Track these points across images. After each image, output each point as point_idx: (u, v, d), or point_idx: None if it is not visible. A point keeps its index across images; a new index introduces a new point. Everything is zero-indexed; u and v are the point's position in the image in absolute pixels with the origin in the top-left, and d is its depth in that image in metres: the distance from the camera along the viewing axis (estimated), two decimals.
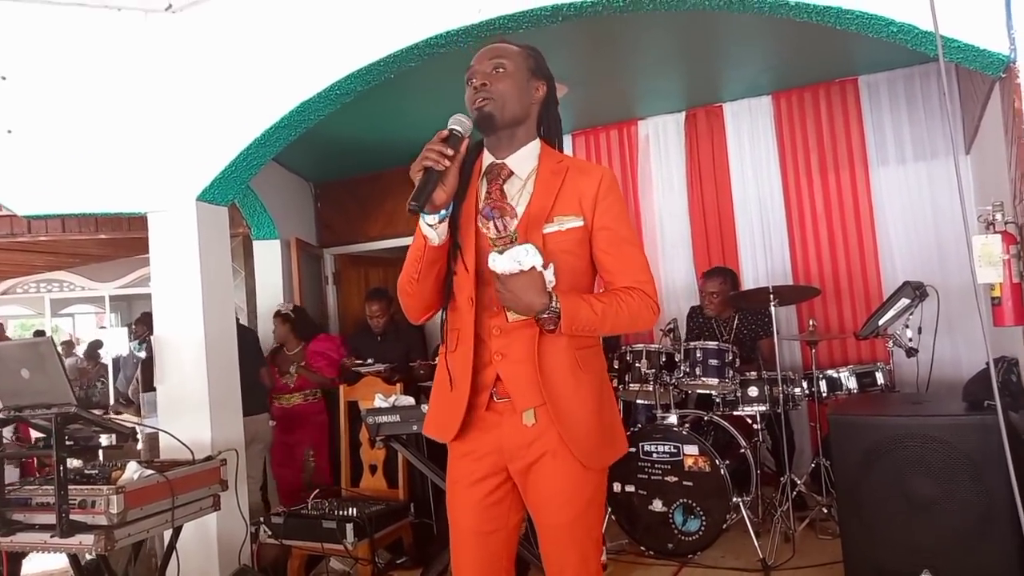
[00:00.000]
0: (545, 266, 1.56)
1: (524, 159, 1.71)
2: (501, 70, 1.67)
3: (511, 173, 1.70)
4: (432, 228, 1.59)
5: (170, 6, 3.22)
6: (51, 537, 2.26)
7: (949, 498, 2.59)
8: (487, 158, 1.74)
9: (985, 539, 2.51)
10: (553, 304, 1.54)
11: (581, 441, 1.62)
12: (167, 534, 2.62)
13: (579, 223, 1.65)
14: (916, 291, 3.49)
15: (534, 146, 1.73)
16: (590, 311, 1.58)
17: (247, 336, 4.29)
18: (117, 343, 9.13)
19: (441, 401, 1.73)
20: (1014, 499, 2.08)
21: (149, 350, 4.72)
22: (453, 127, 1.58)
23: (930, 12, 2.07)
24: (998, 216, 2.25)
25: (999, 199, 2.31)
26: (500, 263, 1.55)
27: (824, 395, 3.81)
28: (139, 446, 3.59)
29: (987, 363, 2.23)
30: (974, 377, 2.92)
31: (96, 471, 2.54)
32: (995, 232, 2.23)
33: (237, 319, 4.25)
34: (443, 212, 1.59)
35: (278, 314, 4.85)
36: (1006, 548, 2.42)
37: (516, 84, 1.67)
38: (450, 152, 1.54)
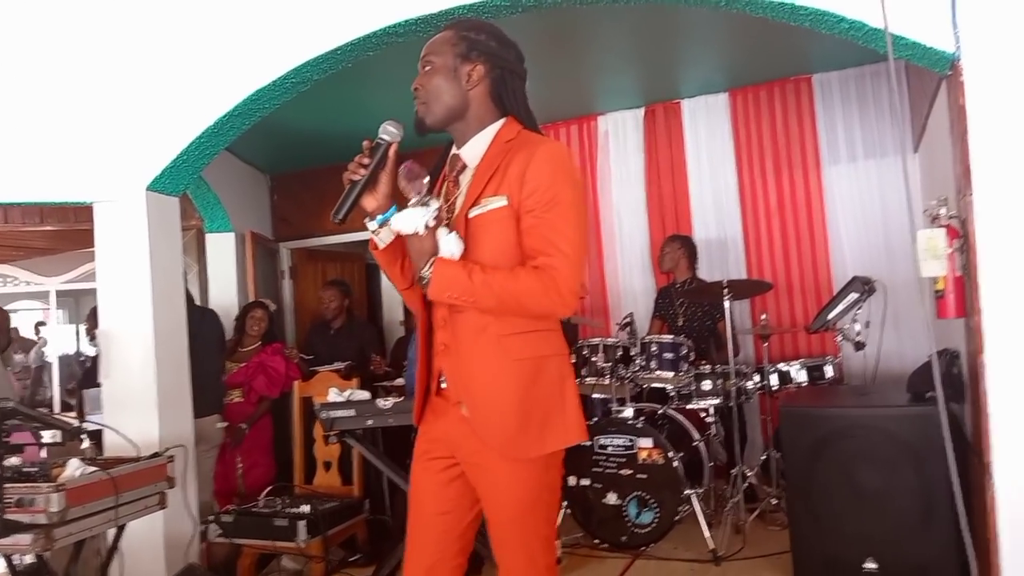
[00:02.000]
0: (460, 238, 1.58)
1: (475, 147, 1.69)
2: (429, 67, 1.67)
3: (464, 164, 1.69)
4: (376, 234, 1.65)
5: None
6: None
7: (893, 488, 2.66)
8: (453, 149, 1.74)
9: (926, 527, 2.59)
10: (425, 269, 1.55)
11: (492, 430, 1.58)
12: (111, 533, 2.54)
13: (501, 203, 1.59)
14: (864, 286, 3.58)
15: (490, 130, 1.68)
16: (465, 279, 1.53)
17: (210, 322, 4.10)
18: (63, 340, 8.86)
19: (417, 386, 1.77)
20: (953, 488, 2.15)
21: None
22: (380, 135, 1.62)
23: (880, 9, 2.11)
24: (942, 211, 2.32)
25: (944, 194, 2.37)
26: (397, 221, 1.58)
27: (775, 388, 3.88)
28: (83, 445, 3.47)
29: (930, 355, 2.29)
30: (917, 369, 2.99)
31: (36, 468, 2.45)
32: (939, 226, 2.29)
33: (191, 301, 4.13)
34: (380, 217, 1.61)
35: (264, 306, 4.59)
36: (945, 535, 2.50)
37: (443, 78, 1.65)
38: (367, 162, 1.58)
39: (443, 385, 1.68)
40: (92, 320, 5.10)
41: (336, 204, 1.58)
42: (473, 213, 1.62)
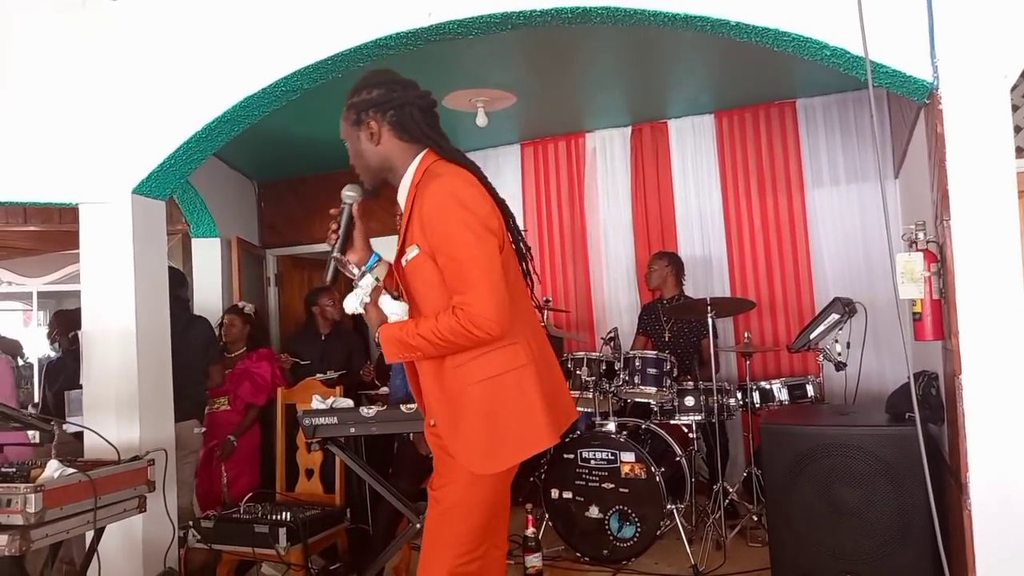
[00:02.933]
0: (395, 295, 1.82)
1: (402, 194, 1.84)
2: (347, 144, 1.88)
3: (400, 210, 1.85)
4: (362, 281, 1.83)
5: None
6: None
7: (871, 506, 2.69)
8: None
9: (904, 545, 2.63)
10: (374, 337, 1.77)
11: (464, 450, 1.77)
12: (89, 536, 2.52)
13: (416, 251, 1.75)
14: (845, 307, 3.63)
15: (408, 175, 1.82)
16: (405, 338, 1.72)
17: (201, 328, 4.04)
18: (42, 343, 8.75)
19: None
20: (930, 507, 2.18)
21: (61, 349, 4.48)
22: (344, 200, 1.84)
23: (861, 38, 2.17)
24: (920, 235, 2.37)
25: (923, 219, 2.43)
26: (347, 305, 1.82)
27: (757, 406, 3.92)
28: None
29: (908, 377, 2.33)
30: (897, 390, 3.04)
31: (13, 469, 2.43)
32: (917, 250, 2.34)
33: (185, 306, 4.11)
34: (366, 267, 1.81)
35: (238, 311, 4.56)
36: (923, 553, 2.53)
37: (353, 148, 1.86)
38: (335, 226, 1.82)
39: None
40: (56, 324, 5.02)
41: (323, 270, 1.83)
42: (403, 261, 1.78)
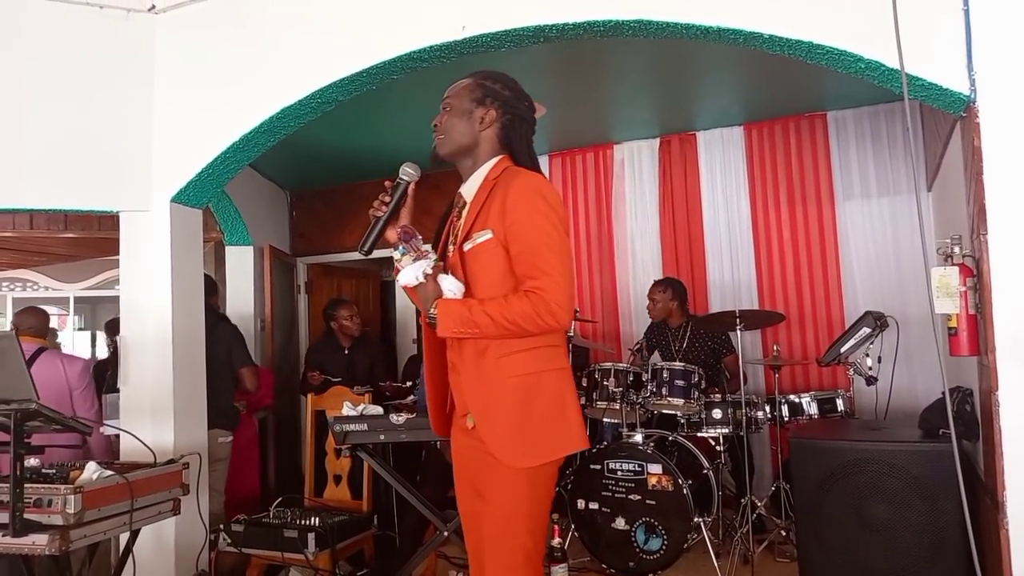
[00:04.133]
0: (458, 279, 1.78)
1: (472, 184, 1.87)
2: (447, 108, 1.88)
3: (464, 201, 1.88)
4: (399, 262, 1.81)
5: (153, 7, 3.22)
6: (2, 536, 2.21)
7: (903, 523, 2.65)
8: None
9: (936, 563, 2.58)
10: (432, 311, 1.74)
11: (497, 441, 1.74)
12: (124, 537, 2.57)
13: (487, 236, 1.77)
14: (877, 321, 3.59)
15: (483, 169, 1.87)
16: (466, 314, 1.71)
17: (223, 331, 3.95)
18: (79, 346, 8.93)
19: (432, 402, 2.00)
20: (965, 525, 2.15)
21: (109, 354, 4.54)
22: (400, 176, 1.84)
23: (896, 50, 2.16)
24: (956, 249, 2.34)
25: (958, 233, 2.40)
26: (402, 278, 1.79)
27: (786, 419, 3.88)
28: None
29: (943, 392, 2.30)
30: (930, 406, 2.99)
31: (54, 470, 2.49)
32: (953, 264, 2.31)
33: (223, 314, 4.14)
34: (402, 248, 1.80)
35: None
36: (956, 573, 2.49)
37: (458, 118, 1.86)
38: (388, 199, 1.81)
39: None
40: (108, 330, 5.14)
41: (363, 236, 1.81)
42: (467, 247, 1.80)
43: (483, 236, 1.77)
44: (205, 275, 4.11)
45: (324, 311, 5.03)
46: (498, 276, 1.76)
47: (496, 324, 1.68)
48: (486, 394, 1.76)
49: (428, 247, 1.83)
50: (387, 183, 1.83)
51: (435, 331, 1.75)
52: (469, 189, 1.87)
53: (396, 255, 1.80)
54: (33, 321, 3.68)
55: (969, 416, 2.74)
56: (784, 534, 3.76)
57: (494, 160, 1.86)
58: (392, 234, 1.80)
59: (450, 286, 1.76)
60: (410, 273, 1.76)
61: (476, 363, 1.78)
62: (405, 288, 1.81)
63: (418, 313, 2.03)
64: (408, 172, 1.83)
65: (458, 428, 1.91)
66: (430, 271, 1.76)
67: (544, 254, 1.71)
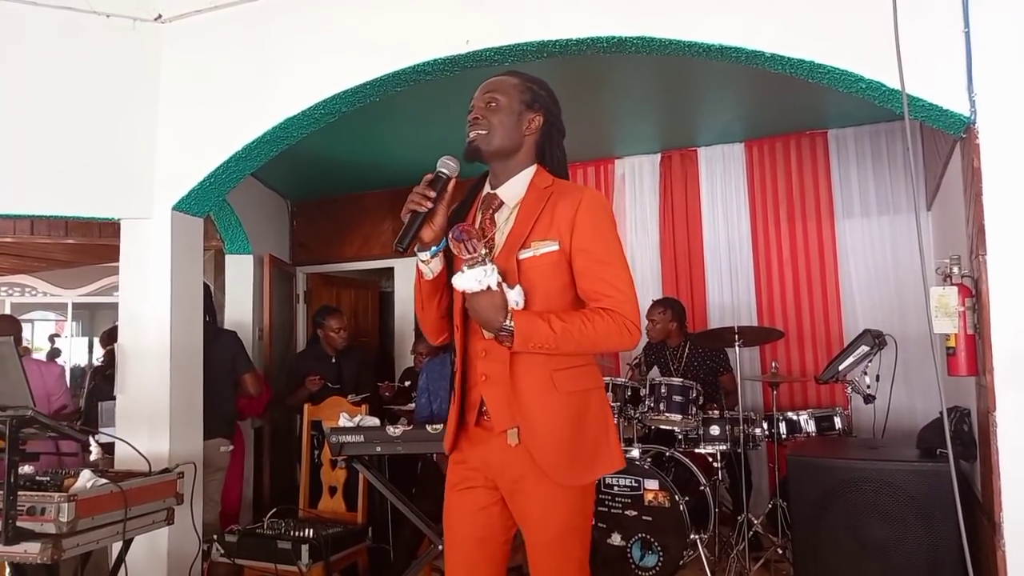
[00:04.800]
0: (511, 286, 1.64)
1: (515, 187, 1.78)
2: (494, 104, 1.77)
3: (501, 202, 1.79)
4: (425, 264, 1.73)
5: (159, 16, 3.24)
6: None
7: (900, 542, 2.64)
8: (487, 188, 1.83)
9: None
10: (507, 323, 1.61)
11: (551, 460, 1.67)
12: (116, 546, 2.55)
13: (554, 247, 1.69)
14: (875, 339, 3.59)
15: (527, 174, 1.79)
16: (548, 330, 1.62)
17: (225, 343, 4.00)
18: (76, 352, 8.92)
19: (449, 416, 1.85)
20: (962, 546, 2.14)
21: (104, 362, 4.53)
22: (440, 169, 1.71)
23: (897, 71, 2.17)
24: (955, 269, 2.35)
25: (957, 253, 2.41)
26: (461, 281, 1.64)
27: (783, 437, 3.87)
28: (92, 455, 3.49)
29: (941, 412, 2.30)
30: (928, 425, 2.99)
31: (48, 477, 2.48)
32: (952, 284, 2.32)
33: (215, 323, 4.14)
34: (434, 248, 1.71)
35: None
36: None
37: (507, 116, 1.76)
38: (432, 194, 1.67)
39: (484, 417, 1.75)
40: (106, 338, 5.13)
41: (399, 233, 1.67)
42: (524, 255, 1.70)
43: (547, 247, 1.69)
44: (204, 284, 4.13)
45: (313, 317, 4.99)
46: (559, 288, 1.70)
47: (576, 342, 1.64)
48: (542, 410, 1.68)
49: (485, 250, 1.67)
50: (428, 176, 1.70)
51: (505, 343, 1.65)
52: (511, 192, 1.78)
53: (424, 256, 1.72)
54: (6, 326, 3.71)
55: (967, 436, 2.73)
56: (780, 552, 3.74)
57: (533, 167, 1.80)
58: (428, 233, 1.69)
59: (516, 297, 1.65)
60: (475, 278, 1.62)
61: (526, 377, 1.68)
62: (465, 294, 1.66)
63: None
64: (449, 165, 1.72)
65: (482, 443, 1.75)
66: (499, 279, 1.62)
67: (619, 272, 1.69)
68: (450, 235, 1.65)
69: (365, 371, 4.87)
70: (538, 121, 1.79)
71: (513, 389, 1.68)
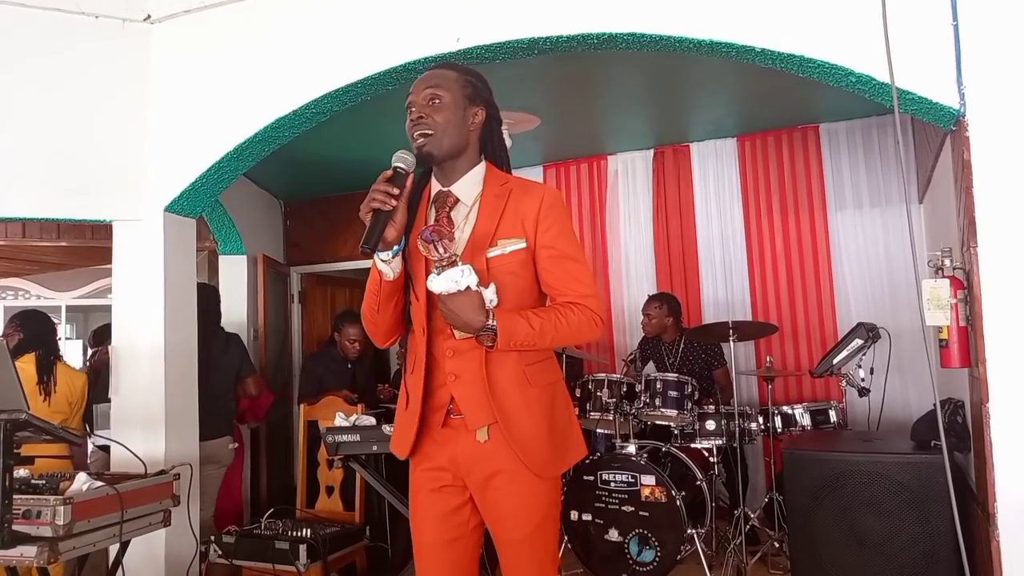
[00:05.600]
0: (485, 285, 1.63)
1: (469, 185, 1.77)
2: (436, 101, 1.72)
3: (457, 200, 1.76)
4: (387, 264, 1.67)
5: (148, 16, 3.23)
6: None
7: (896, 535, 2.66)
8: (435, 185, 1.80)
9: (928, 575, 2.58)
10: (489, 322, 1.60)
11: (533, 454, 1.69)
12: (113, 549, 2.55)
13: (521, 244, 1.71)
14: (869, 332, 3.61)
15: (479, 171, 1.78)
16: (527, 327, 1.63)
17: (235, 348, 4.07)
18: (71, 355, 8.88)
19: (400, 420, 1.81)
20: (957, 537, 2.15)
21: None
22: (397, 164, 1.65)
23: (887, 64, 2.18)
24: (947, 262, 2.36)
25: (948, 246, 2.42)
26: (437, 283, 1.60)
27: (779, 431, 3.88)
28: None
29: (934, 404, 2.31)
30: (922, 418, 3.01)
31: (43, 481, 2.47)
32: (944, 277, 2.32)
33: (222, 327, 4.18)
34: (395, 248, 1.66)
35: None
36: None
37: (452, 115, 1.72)
38: (396, 191, 1.60)
39: (451, 416, 1.73)
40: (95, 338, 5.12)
41: (363, 235, 1.60)
42: (492, 254, 1.70)
43: (515, 244, 1.70)
44: (209, 285, 4.17)
45: (334, 319, 4.91)
46: (527, 286, 1.73)
47: (552, 337, 1.67)
48: (519, 405, 1.68)
49: (456, 250, 1.63)
50: (386, 173, 1.63)
51: (485, 342, 1.63)
52: (466, 191, 1.75)
53: (386, 256, 1.64)
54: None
55: (961, 428, 2.75)
56: (777, 546, 3.76)
57: (483, 163, 1.79)
58: (391, 231, 1.61)
59: (491, 295, 1.64)
60: (447, 280, 1.58)
61: (499, 373, 1.68)
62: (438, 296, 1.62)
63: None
64: (406, 160, 1.65)
65: (450, 443, 1.71)
66: (475, 279, 1.60)
67: (583, 266, 1.75)
68: (420, 236, 1.60)
69: (372, 378, 4.84)
70: (481, 115, 1.77)
71: (488, 387, 1.67)
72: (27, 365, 3.44)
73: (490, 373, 1.68)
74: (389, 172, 1.64)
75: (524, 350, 1.68)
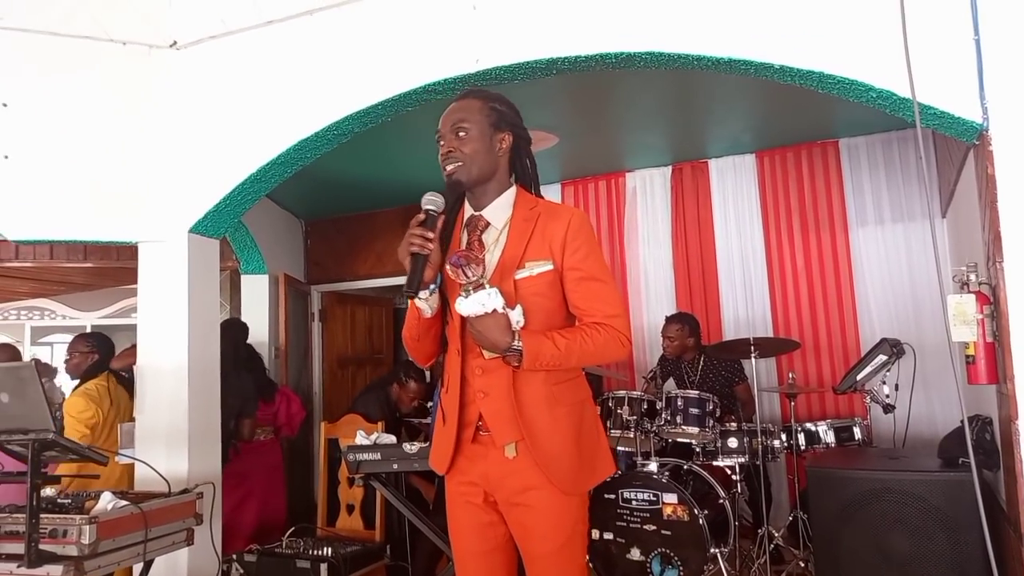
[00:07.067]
0: (512, 307, 1.69)
1: (499, 209, 1.83)
2: (463, 133, 1.79)
3: (488, 224, 1.82)
4: (424, 302, 1.75)
5: (175, 43, 3.30)
6: (17, 567, 2.21)
7: (924, 554, 2.61)
8: (468, 210, 1.87)
9: None
10: (515, 343, 1.65)
11: (559, 471, 1.72)
12: (137, 568, 2.57)
13: (549, 267, 1.75)
14: (893, 348, 3.57)
15: (509, 195, 1.84)
16: (553, 347, 1.67)
17: (245, 385, 4.08)
18: None
19: (438, 436, 1.88)
20: (987, 556, 2.11)
21: None
22: (428, 207, 1.73)
23: (908, 80, 2.17)
24: (972, 277, 2.33)
25: (973, 260, 2.39)
26: (465, 306, 1.66)
27: (802, 448, 3.83)
28: None
29: (962, 421, 2.28)
30: (949, 434, 2.96)
31: (69, 500, 2.50)
32: (969, 292, 2.30)
33: (250, 346, 4.23)
34: (432, 286, 1.73)
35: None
36: None
37: (479, 144, 1.78)
38: (431, 235, 1.69)
39: (480, 432, 1.78)
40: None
41: (407, 279, 1.68)
42: (520, 276, 1.74)
43: (542, 267, 1.74)
44: (240, 321, 4.32)
45: (401, 365, 4.59)
46: (555, 307, 1.77)
47: (578, 357, 1.71)
48: (546, 422, 1.72)
49: (484, 273, 1.69)
50: (419, 217, 1.72)
51: (512, 363, 1.67)
52: (497, 214, 1.82)
53: (425, 294, 1.71)
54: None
55: (989, 445, 2.70)
56: (802, 565, 3.70)
57: (513, 187, 1.86)
58: (429, 272, 1.69)
59: (517, 316, 1.69)
60: (481, 302, 1.64)
61: (527, 391, 1.73)
62: (468, 318, 1.67)
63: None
64: (436, 202, 1.75)
65: (482, 458, 1.76)
66: (502, 301, 1.65)
67: (610, 288, 1.78)
68: (448, 261, 1.68)
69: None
70: (508, 140, 1.83)
71: (515, 405, 1.72)
72: (108, 383, 3.74)
73: (518, 391, 1.73)
74: (422, 216, 1.72)
75: (550, 369, 1.71)
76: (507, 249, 1.77)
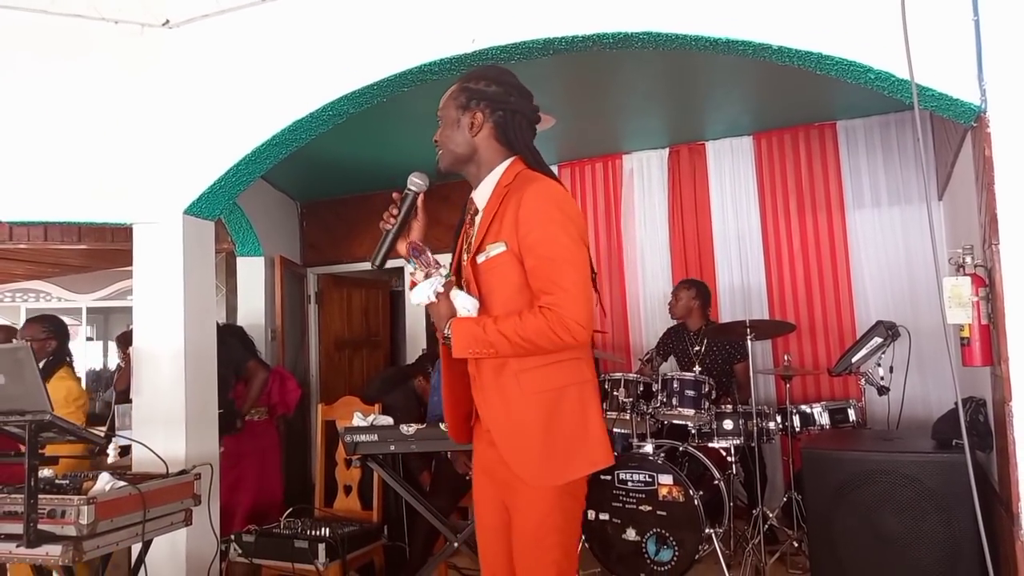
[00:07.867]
0: (472, 294, 1.72)
1: (484, 191, 1.81)
2: (440, 120, 1.84)
3: (476, 208, 1.82)
4: (412, 275, 1.77)
5: (167, 21, 3.26)
6: (16, 547, 2.22)
7: (917, 535, 2.63)
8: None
9: None
10: (447, 331, 1.68)
11: (519, 461, 1.69)
12: (136, 548, 2.58)
13: (501, 248, 1.70)
14: (888, 330, 3.58)
15: (495, 174, 1.80)
16: (481, 334, 1.64)
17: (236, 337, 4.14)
18: (91, 356, 8.99)
19: (458, 411, 1.94)
20: (980, 537, 2.13)
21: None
22: (408, 186, 1.78)
23: (906, 61, 2.16)
24: (968, 259, 2.33)
25: (969, 243, 2.39)
26: (413, 295, 1.74)
27: (797, 430, 3.86)
28: (110, 459, 3.53)
29: (956, 403, 2.29)
30: (943, 416, 2.98)
31: (67, 481, 2.51)
32: (965, 274, 2.30)
33: (223, 323, 4.22)
34: (412, 262, 1.75)
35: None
36: None
37: (447, 129, 1.81)
38: (395, 211, 1.76)
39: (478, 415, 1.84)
40: (122, 341, 5.22)
41: (374, 249, 1.77)
42: (480, 259, 1.74)
43: (496, 249, 1.69)
44: (242, 328, 4.35)
45: (425, 357, 4.62)
46: (514, 290, 1.69)
47: (511, 343, 1.62)
48: (506, 412, 1.69)
49: (439, 262, 1.75)
50: (395, 195, 1.78)
51: (450, 350, 1.70)
52: (481, 196, 1.80)
53: (410, 268, 1.76)
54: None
55: (983, 427, 2.72)
56: (796, 545, 3.74)
57: (505, 163, 1.78)
58: (403, 247, 1.75)
59: (464, 303, 1.69)
60: (422, 291, 1.70)
61: (495, 379, 1.71)
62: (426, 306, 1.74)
63: (432, 325, 1.98)
64: (415, 182, 1.76)
65: (483, 439, 1.84)
66: (441, 289, 1.70)
67: (562, 268, 1.63)
68: (408, 249, 1.75)
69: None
70: (479, 117, 1.77)
71: (486, 392, 1.75)
72: (69, 381, 3.65)
73: (490, 379, 1.74)
74: (398, 195, 1.78)
75: (484, 357, 1.69)
76: (477, 232, 1.77)
